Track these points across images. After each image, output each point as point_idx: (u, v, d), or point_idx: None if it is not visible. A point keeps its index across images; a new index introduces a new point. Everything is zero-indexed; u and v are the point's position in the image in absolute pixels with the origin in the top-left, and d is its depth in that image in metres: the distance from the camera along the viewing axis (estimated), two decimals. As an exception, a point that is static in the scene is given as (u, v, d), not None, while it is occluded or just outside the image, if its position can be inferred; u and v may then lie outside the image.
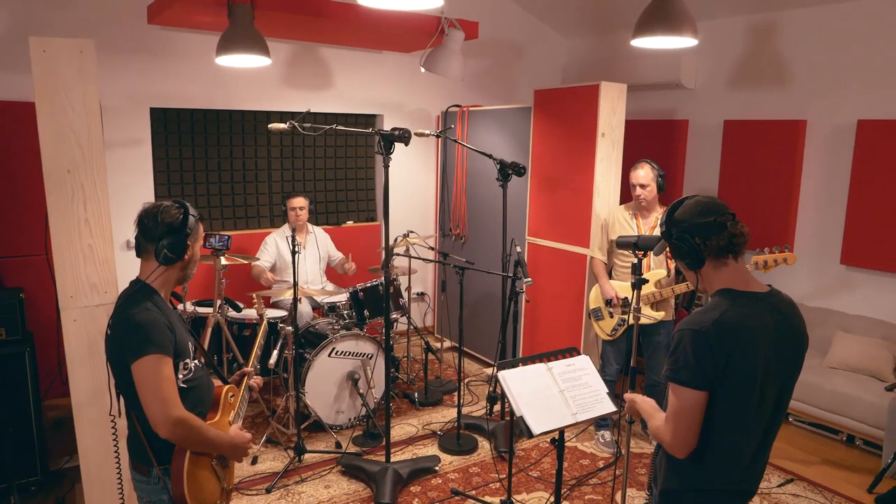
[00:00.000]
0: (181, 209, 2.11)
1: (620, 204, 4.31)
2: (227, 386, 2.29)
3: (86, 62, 2.70)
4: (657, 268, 3.93)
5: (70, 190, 2.74)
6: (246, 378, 2.41)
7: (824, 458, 4.12)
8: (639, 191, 3.91)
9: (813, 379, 4.32)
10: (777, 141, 5.01)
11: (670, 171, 5.86)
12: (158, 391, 1.92)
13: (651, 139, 6.00)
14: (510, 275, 3.66)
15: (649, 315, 3.86)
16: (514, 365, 2.87)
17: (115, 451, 2.80)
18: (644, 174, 3.90)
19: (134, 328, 1.95)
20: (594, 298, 4.17)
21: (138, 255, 2.12)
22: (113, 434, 2.66)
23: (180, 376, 2.04)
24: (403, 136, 3.36)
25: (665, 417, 1.88)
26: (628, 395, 2.16)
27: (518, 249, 3.67)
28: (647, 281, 2.68)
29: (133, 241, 2.16)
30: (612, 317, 4.05)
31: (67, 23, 4.42)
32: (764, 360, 1.80)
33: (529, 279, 3.59)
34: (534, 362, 2.92)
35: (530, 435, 2.68)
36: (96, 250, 2.81)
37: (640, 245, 2.52)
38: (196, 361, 2.15)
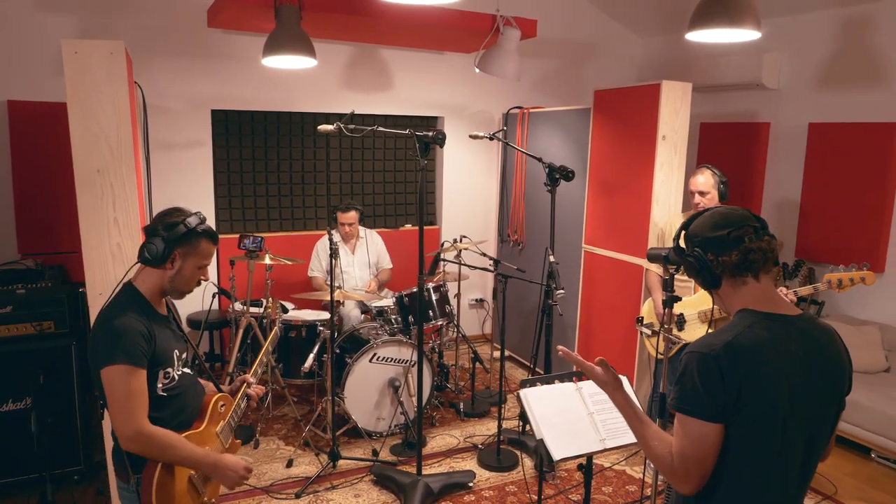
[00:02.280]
0: (180, 215, 2.04)
1: (683, 212, 4.01)
2: (219, 395, 2.23)
3: (116, 64, 2.74)
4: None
5: (100, 189, 2.79)
6: (244, 386, 2.34)
7: (910, 502, 3.67)
8: (697, 198, 3.61)
9: (900, 412, 3.86)
10: (868, 146, 4.53)
11: (749, 177, 5.44)
12: (123, 403, 1.88)
13: (728, 143, 5.60)
14: (543, 284, 3.45)
15: (678, 337, 3.53)
16: (538, 383, 2.68)
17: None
18: (704, 180, 3.59)
19: (107, 334, 1.91)
20: (647, 313, 3.89)
21: None
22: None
23: (159, 385, 1.98)
24: (437, 139, 3.24)
25: (671, 452, 1.62)
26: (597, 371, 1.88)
27: (552, 259, 3.45)
28: (679, 299, 2.43)
29: None
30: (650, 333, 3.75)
31: (133, 27, 4.58)
32: (787, 391, 1.55)
33: (562, 290, 3.37)
34: (562, 381, 2.72)
35: (550, 461, 2.49)
36: (124, 249, 2.85)
37: (671, 259, 2.27)
38: (184, 369, 2.09)
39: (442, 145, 3.28)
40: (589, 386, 2.72)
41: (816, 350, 1.61)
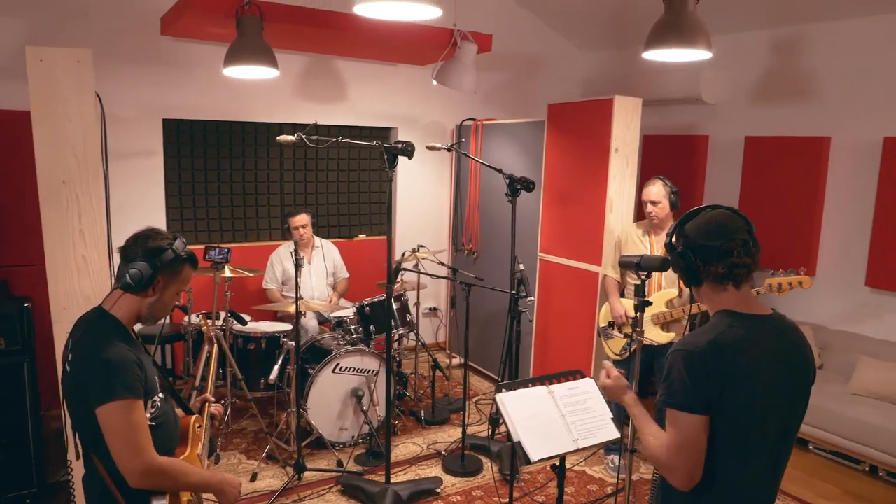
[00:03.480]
0: (167, 240, 1.95)
1: (635, 221, 4.19)
2: (194, 416, 2.18)
3: (83, 72, 2.69)
4: (668, 286, 3.80)
5: (65, 201, 2.72)
6: (207, 406, 2.30)
7: (846, 489, 3.93)
8: (650, 207, 3.80)
9: (835, 406, 4.14)
10: (800, 158, 4.85)
11: (690, 187, 5.71)
12: (131, 439, 1.78)
13: (670, 155, 5.87)
14: (513, 292, 3.55)
15: (659, 335, 3.73)
16: (513, 387, 2.77)
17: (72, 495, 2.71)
18: (656, 191, 3.78)
19: (101, 368, 1.79)
20: (604, 317, 4.05)
21: (116, 278, 1.97)
22: (70, 477, 2.58)
23: (149, 415, 1.89)
24: (407, 150, 3.29)
25: (665, 446, 1.74)
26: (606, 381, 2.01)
27: (521, 267, 3.56)
28: (650, 303, 2.57)
29: None
30: (621, 336, 3.92)
31: (82, 33, 4.45)
32: (764, 384, 1.69)
33: (532, 298, 3.48)
34: (535, 384, 2.82)
35: (527, 462, 2.57)
36: (90, 262, 2.79)
37: (642, 266, 2.41)
38: (160, 394, 2.01)
39: (411, 157, 3.33)
40: (560, 389, 2.82)
41: (788, 346, 1.75)
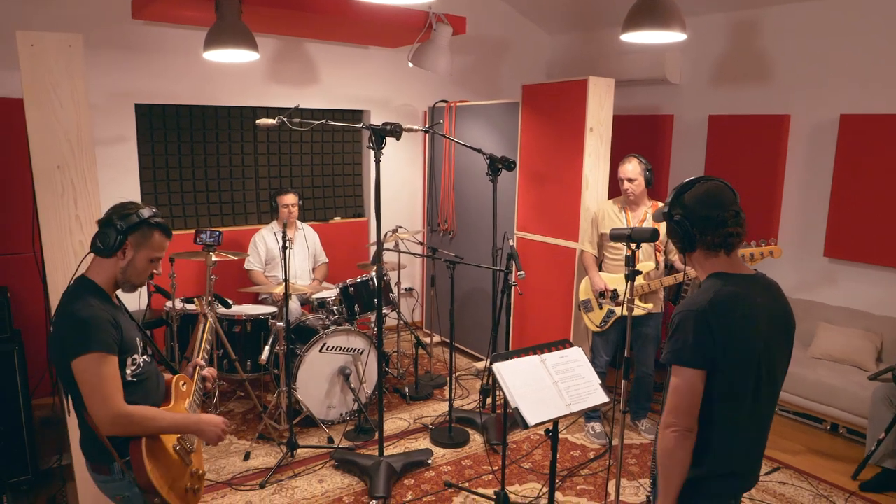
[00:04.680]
0: (134, 208, 2.10)
1: (609, 198, 4.35)
2: (178, 375, 2.31)
3: (74, 57, 2.68)
4: (646, 260, 3.97)
5: (60, 186, 2.72)
6: (197, 369, 2.42)
7: (809, 446, 4.20)
8: (626, 185, 3.95)
9: (798, 370, 4.39)
10: (761, 135, 5.08)
11: (656, 165, 5.90)
12: (100, 390, 1.92)
13: (637, 134, 6.05)
14: (502, 269, 3.67)
15: (638, 306, 3.90)
16: (507, 357, 2.90)
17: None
18: (632, 168, 3.93)
19: (76, 325, 1.93)
20: (584, 290, 4.21)
21: None
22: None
23: (128, 372, 2.04)
24: (395, 131, 3.37)
25: (668, 402, 1.87)
26: None
27: (511, 243, 3.69)
28: (640, 272, 2.72)
29: None
30: (601, 308, 4.08)
31: (51, 18, 4.37)
32: (761, 337, 1.85)
33: (522, 272, 3.62)
34: (527, 354, 2.95)
35: (525, 426, 2.70)
36: (87, 247, 2.78)
37: (633, 237, 2.55)
38: (145, 357, 2.15)
39: (398, 138, 3.41)
40: (552, 358, 2.97)
41: (774, 301, 1.93)
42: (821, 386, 4.28)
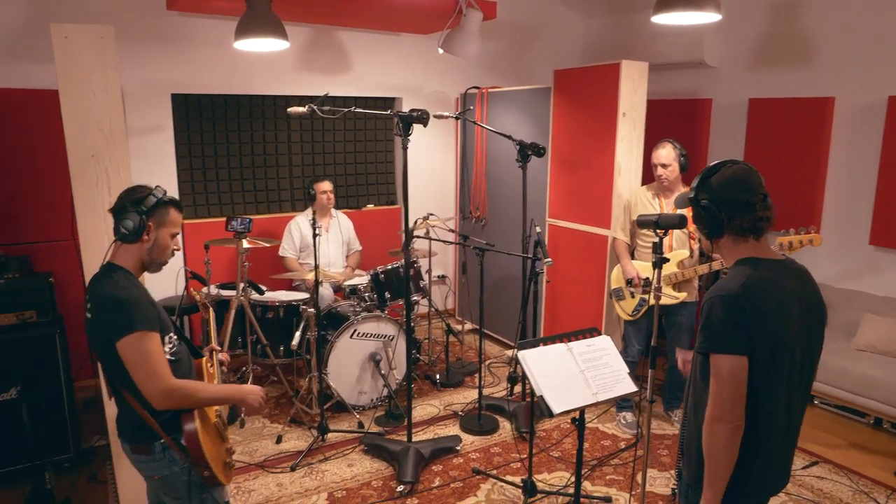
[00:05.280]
0: (146, 190, 2.14)
1: (643, 185, 4.27)
2: (205, 358, 2.37)
3: (106, 48, 2.73)
4: (680, 248, 3.89)
5: (94, 175, 2.78)
6: (214, 353, 2.46)
7: (850, 440, 4.08)
8: (660, 171, 3.87)
9: (840, 361, 4.26)
10: (804, 119, 4.91)
11: (694, 151, 5.76)
12: (148, 366, 1.96)
13: (674, 119, 5.92)
14: (529, 256, 3.64)
15: (670, 295, 3.83)
16: (534, 345, 2.88)
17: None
18: (666, 154, 3.85)
19: (116, 306, 1.97)
20: (615, 278, 4.15)
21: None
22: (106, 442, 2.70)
23: (166, 349, 2.08)
24: (422, 118, 3.36)
25: (712, 395, 1.78)
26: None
27: (538, 230, 3.65)
28: (667, 260, 2.66)
29: None
30: (633, 297, 4.02)
31: (87, 11, 4.47)
32: (794, 324, 1.79)
33: (549, 259, 3.58)
34: (554, 342, 2.93)
35: (551, 414, 2.68)
36: (116, 235, 2.85)
37: (660, 224, 2.49)
38: (175, 336, 2.20)
39: (426, 124, 3.40)
40: (579, 346, 2.93)
41: (805, 285, 1.86)
42: (864, 378, 4.14)
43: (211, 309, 2.83)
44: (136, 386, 1.98)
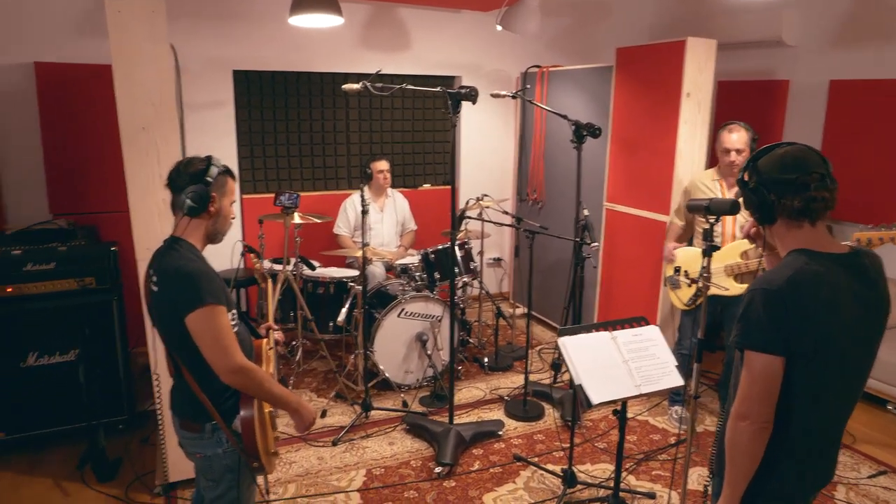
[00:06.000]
0: (205, 161, 2.11)
1: (707, 169, 4.05)
2: (265, 339, 2.33)
3: (157, 22, 2.77)
4: (743, 237, 3.67)
5: (145, 147, 2.84)
6: (271, 332, 2.43)
7: (924, 448, 3.80)
8: (733, 156, 3.62)
9: (916, 363, 3.96)
10: (890, 103, 4.55)
11: (767, 136, 5.46)
12: (221, 340, 1.93)
13: (746, 102, 5.61)
14: (577, 239, 3.52)
15: (720, 286, 3.60)
16: (577, 332, 2.78)
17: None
18: (737, 138, 3.60)
19: (185, 279, 1.94)
20: (682, 261, 3.93)
21: (172, 211, 2.14)
22: (157, 390, 2.78)
23: (231, 323, 2.05)
24: (470, 95, 3.27)
25: (740, 391, 1.69)
26: None
27: (586, 213, 3.52)
28: (717, 248, 2.49)
29: None
30: (689, 286, 3.83)
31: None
32: (842, 323, 1.64)
33: (596, 244, 3.44)
34: (598, 330, 2.82)
35: (589, 405, 2.60)
36: (169, 205, 2.91)
37: (711, 209, 2.33)
38: (236, 313, 2.16)
39: (474, 102, 3.31)
40: (624, 335, 2.82)
41: (866, 284, 1.69)
42: (942, 383, 3.84)
43: (269, 281, 2.85)
44: (204, 362, 1.95)
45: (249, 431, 2.03)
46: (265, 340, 2.33)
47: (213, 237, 2.16)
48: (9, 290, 3.38)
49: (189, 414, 2.08)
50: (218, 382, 1.97)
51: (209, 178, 2.06)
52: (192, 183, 2.04)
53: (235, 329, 2.07)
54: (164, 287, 1.99)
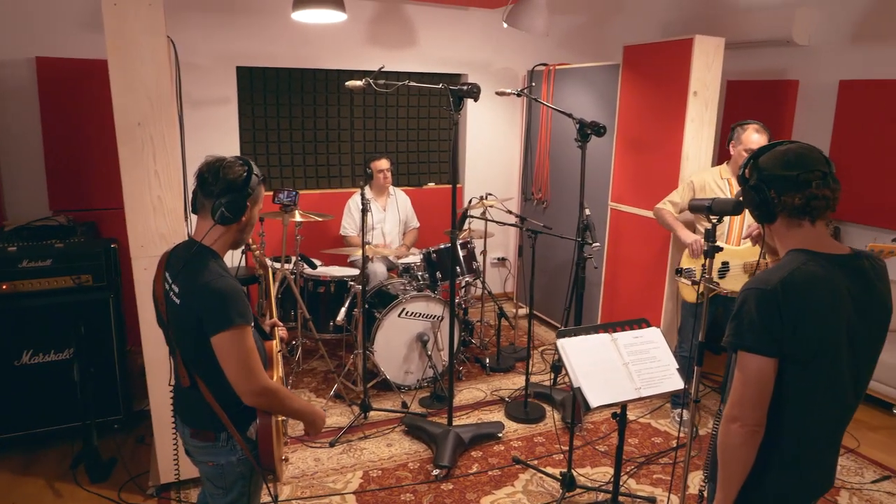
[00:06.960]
0: (245, 167, 1.96)
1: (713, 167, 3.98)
2: (275, 342, 2.26)
3: (154, 15, 2.73)
4: (744, 238, 3.60)
5: (140, 142, 2.80)
6: (277, 329, 2.36)
7: (932, 455, 3.72)
8: None
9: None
10: (901, 102, 4.47)
11: (776, 136, 5.37)
12: (246, 363, 1.86)
13: (754, 101, 5.53)
14: (577, 239, 3.46)
15: (729, 289, 3.52)
16: (576, 333, 2.73)
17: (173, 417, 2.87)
18: (758, 138, 3.52)
19: (215, 298, 1.84)
20: (687, 257, 3.83)
21: (194, 212, 2.01)
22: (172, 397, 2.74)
23: None
24: (472, 92, 3.22)
25: (732, 393, 1.65)
26: None
27: (587, 213, 3.46)
28: (720, 249, 2.43)
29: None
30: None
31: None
32: (839, 327, 1.59)
33: (597, 244, 3.38)
34: (598, 332, 2.77)
35: (587, 408, 2.55)
36: (165, 201, 2.88)
37: (714, 209, 2.28)
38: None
39: (476, 99, 3.27)
40: (624, 337, 2.77)
41: (866, 288, 1.64)
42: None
43: (269, 269, 2.80)
44: (223, 375, 1.87)
45: (267, 449, 1.97)
46: (274, 343, 2.27)
47: (237, 244, 2.06)
48: (4, 286, 3.36)
49: (203, 424, 1.99)
50: (235, 394, 1.90)
51: (250, 190, 1.94)
52: (229, 191, 1.91)
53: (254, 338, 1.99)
54: (189, 302, 1.88)
